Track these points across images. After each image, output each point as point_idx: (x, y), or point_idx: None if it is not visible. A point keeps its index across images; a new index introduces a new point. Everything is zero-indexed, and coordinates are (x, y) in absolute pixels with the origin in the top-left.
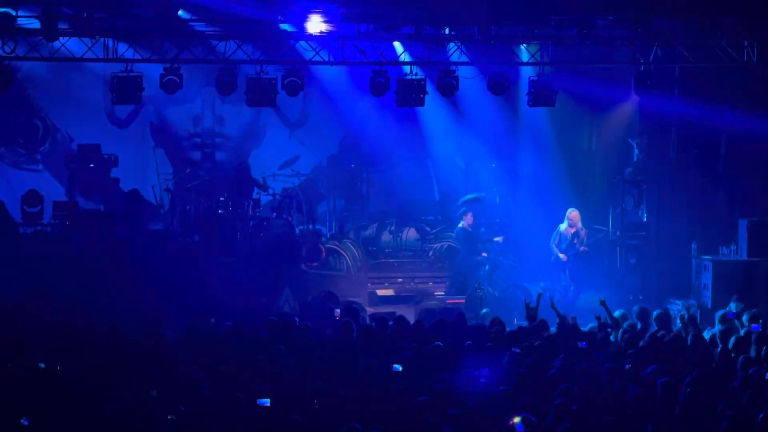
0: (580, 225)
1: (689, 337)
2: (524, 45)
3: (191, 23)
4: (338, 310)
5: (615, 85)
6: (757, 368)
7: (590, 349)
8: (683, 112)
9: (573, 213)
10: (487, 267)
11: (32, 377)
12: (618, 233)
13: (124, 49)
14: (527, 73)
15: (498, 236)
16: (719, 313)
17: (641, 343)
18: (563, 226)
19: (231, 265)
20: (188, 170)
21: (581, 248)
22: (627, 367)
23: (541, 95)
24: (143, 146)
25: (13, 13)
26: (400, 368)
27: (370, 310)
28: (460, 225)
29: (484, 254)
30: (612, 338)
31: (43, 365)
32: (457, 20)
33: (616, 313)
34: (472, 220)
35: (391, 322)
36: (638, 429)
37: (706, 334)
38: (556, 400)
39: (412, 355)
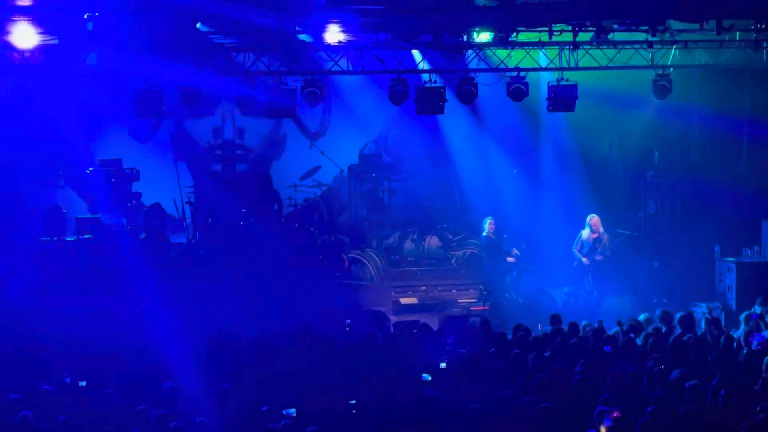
0: (601, 230)
1: (714, 339)
2: (543, 50)
3: (210, 36)
4: (349, 321)
5: (634, 88)
6: None
7: (614, 353)
8: (703, 114)
9: (594, 219)
10: (514, 273)
11: (58, 392)
12: (640, 237)
13: (143, 63)
14: (546, 78)
15: (514, 248)
16: (744, 315)
17: (666, 346)
18: (585, 232)
19: (253, 276)
20: (209, 182)
21: (597, 257)
22: (657, 369)
23: (560, 100)
24: (164, 160)
25: None
26: (429, 378)
27: (393, 318)
28: (484, 233)
29: (511, 259)
30: (638, 341)
31: (68, 380)
32: (475, 28)
33: (641, 317)
34: (495, 227)
35: (414, 330)
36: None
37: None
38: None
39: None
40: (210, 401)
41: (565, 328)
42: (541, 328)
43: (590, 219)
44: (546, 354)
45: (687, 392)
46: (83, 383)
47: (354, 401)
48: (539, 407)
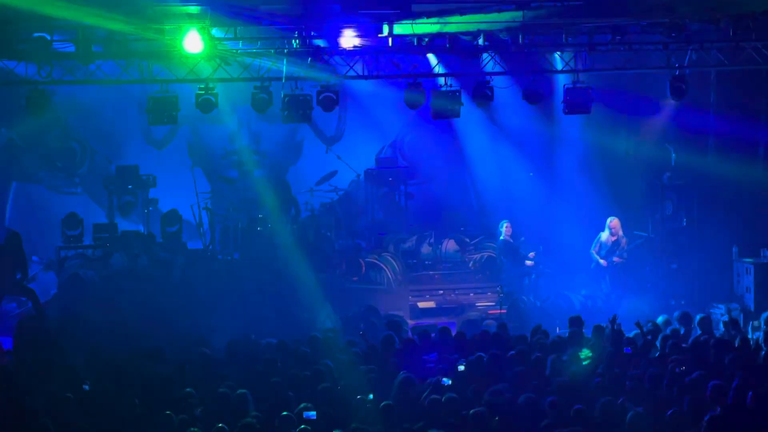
0: (621, 233)
1: (733, 340)
2: (558, 53)
3: (225, 41)
4: (363, 327)
5: (651, 90)
6: None
7: (634, 356)
8: (720, 115)
9: (614, 221)
10: (532, 276)
11: (77, 399)
12: (658, 238)
13: (158, 70)
14: (562, 81)
15: (532, 252)
16: (765, 315)
17: (685, 348)
18: (604, 235)
19: (271, 281)
20: (226, 188)
21: (615, 259)
22: (678, 370)
23: (576, 103)
24: (181, 166)
25: (48, 37)
26: (450, 382)
27: (411, 322)
28: (501, 237)
29: (529, 262)
30: (657, 343)
31: (87, 387)
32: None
33: (659, 319)
34: (511, 230)
35: (433, 334)
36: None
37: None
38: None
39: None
40: (228, 406)
41: (587, 331)
42: (560, 330)
43: (610, 221)
44: (564, 357)
45: (708, 392)
46: (101, 389)
47: (373, 405)
48: (558, 410)
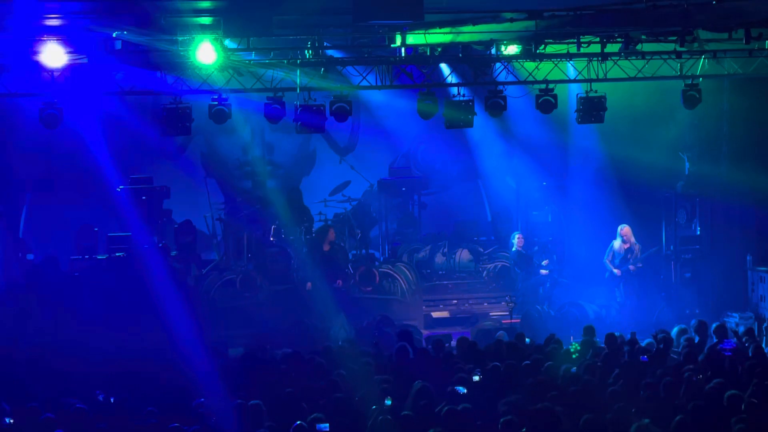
0: (633, 240)
1: (748, 349)
2: (571, 62)
3: (238, 52)
4: (376, 336)
5: (663, 99)
6: None
7: (649, 364)
8: (733, 123)
9: (625, 229)
10: (547, 284)
11: (91, 410)
12: (672, 247)
13: (172, 81)
14: (575, 90)
15: (545, 259)
16: None
17: (700, 357)
18: (617, 243)
19: (285, 292)
20: (239, 199)
21: (631, 267)
22: (695, 379)
23: (589, 112)
24: (194, 177)
25: None
26: (465, 391)
27: (425, 332)
28: (513, 248)
29: (544, 271)
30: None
31: (101, 397)
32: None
33: (674, 329)
34: (524, 241)
35: (448, 344)
36: None
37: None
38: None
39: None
40: (242, 417)
41: (600, 340)
42: (573, 340)
43: (621, 229)
44: (578, 366)
45: (725, 402)
46: (113, 400)
47: (387, 416)
48: (573, 419)
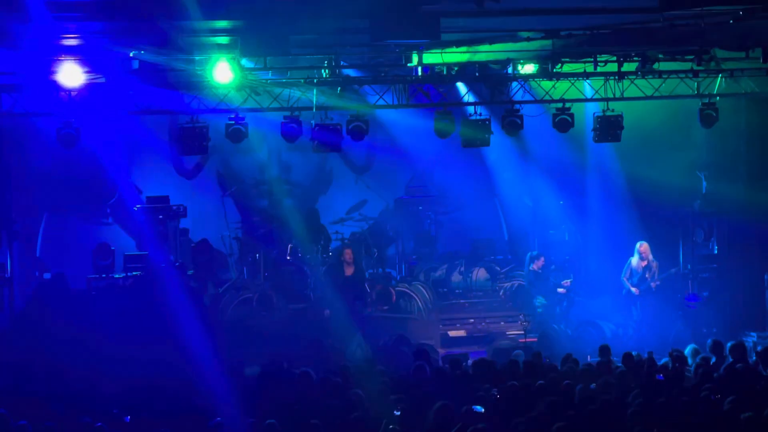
0: (651, 257)
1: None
2: (588, 81)
3: (255, 71)
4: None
5: (680, 118)
6: None
7: (666, 384)
8: (750, 142)
9: (643, 246)
10: (564, 303)
11: (109, 428)
12: (689, 266)
13: (189, 100)
14: (592, 108)
15: (567, 279)
16: None
17: (716, 376)
18: (634, 260)
19: (302, 311)
20: (256, 218)
21: (653, 284)
22: (713, 398)
23: (606, 131)
24: (211, 196)
25: None
26: (482, 410)
27: (442, 351)
28: (529, 268)
29: (561, 290)
30: (687, 373)
31: (127, 419)
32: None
33: (690, 347)
34: (543, 262)
35: (465, 363)
36: None
37: None
38: None
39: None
40: None
41: (617, 359)
42: (590, 359)
43: (639, 246)
44: (594, 385)
45: (743, 424)
46: (129, 419)
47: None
48: None
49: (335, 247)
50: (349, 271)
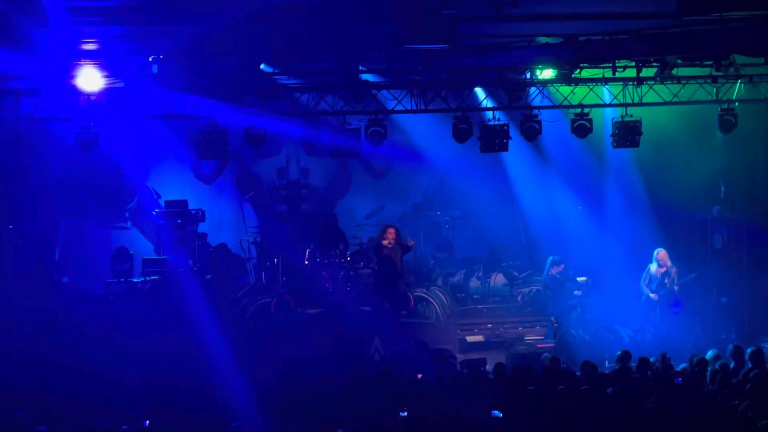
0: (669, 264)
1: None
2: (606, 86)
3: (274, 77)
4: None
5: (699, 123)
6: None
7: (683, 388)
8: None
9: (661, 253)
10: (578, 310)
11: None
12: (708, 272)
13: (208, 105)
14: (610, 114)
15: (582, 276)
16: None
17: (734, 381)
18: (653, 267)
19: (320, 315)
20: (275, 222)
21: (676, 287)
22: (732, 404)
23: (625, 136)
24: (230, 200)
25: None
26: (501, 414)
27: (460, 357)
28: (547, 272)
29: (578, 292)
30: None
31: (146, 423)
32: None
33: (709, 353)
34: (563, 268)
35: (483, 368)
36: None
37: None
38: None
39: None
40: None
41: (635, 365)
42: (608, 365)
43: (657, 253)
44: (611, 391)
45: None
46: (147, 423)
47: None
48: None
49: (353, 252)
50: (388, 251)
